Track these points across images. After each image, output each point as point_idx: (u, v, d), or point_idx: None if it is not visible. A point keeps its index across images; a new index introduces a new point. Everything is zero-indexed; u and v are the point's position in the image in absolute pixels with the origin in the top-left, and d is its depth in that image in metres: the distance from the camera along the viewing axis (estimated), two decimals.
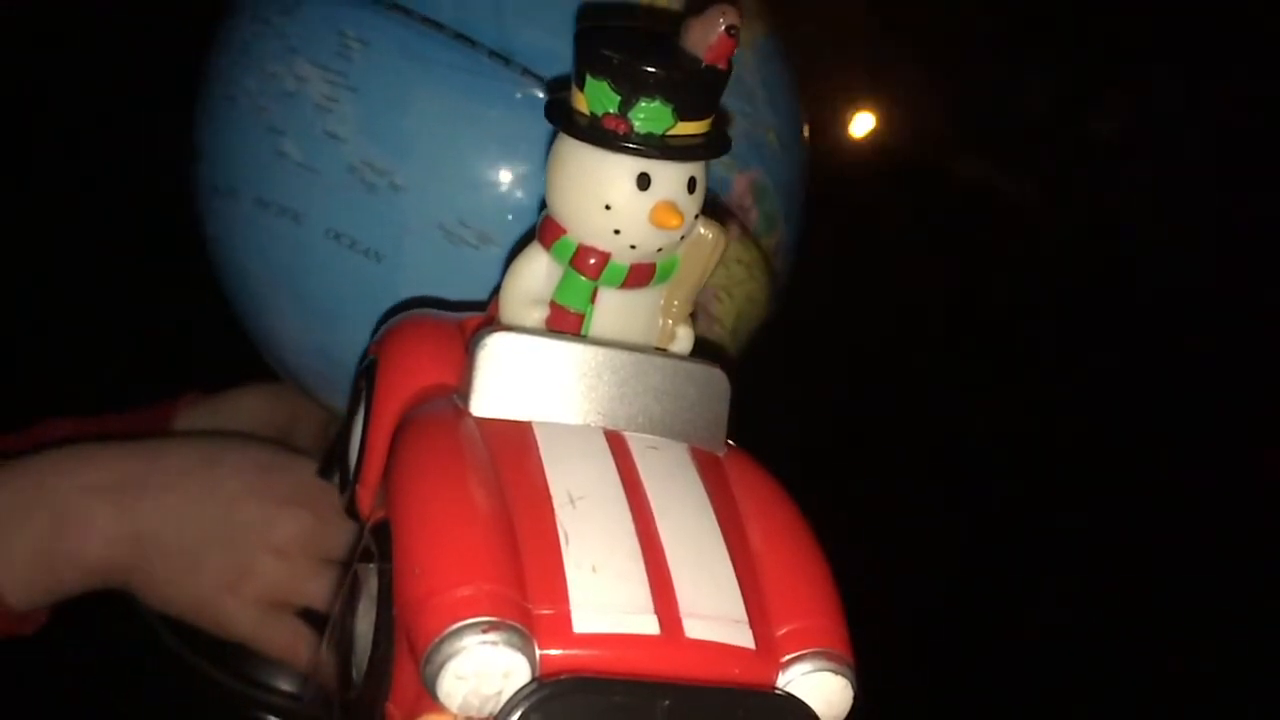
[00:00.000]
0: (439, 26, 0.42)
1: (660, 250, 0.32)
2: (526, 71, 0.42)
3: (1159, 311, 1.36)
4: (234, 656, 0.56)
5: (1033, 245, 1.40)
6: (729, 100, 0.44)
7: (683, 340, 0.34)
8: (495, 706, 0.26)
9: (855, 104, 1.36)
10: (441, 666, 0.25)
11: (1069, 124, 1.49)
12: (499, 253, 0.42)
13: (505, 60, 0.42)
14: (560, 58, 0.41)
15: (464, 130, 0.42)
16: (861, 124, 1.37)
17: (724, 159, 0.44)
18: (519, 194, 0.43)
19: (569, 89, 0.31)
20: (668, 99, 0.30)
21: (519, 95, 0.42)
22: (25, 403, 0.58)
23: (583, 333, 0.33)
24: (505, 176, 0.42)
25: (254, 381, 0.61)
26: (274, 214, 0.44)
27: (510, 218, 0.43)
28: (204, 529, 0.49)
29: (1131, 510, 1.22)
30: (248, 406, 0.60)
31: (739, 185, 0.45)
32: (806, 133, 0.52)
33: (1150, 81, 1.41)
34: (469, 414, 0.31)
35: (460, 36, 0.42)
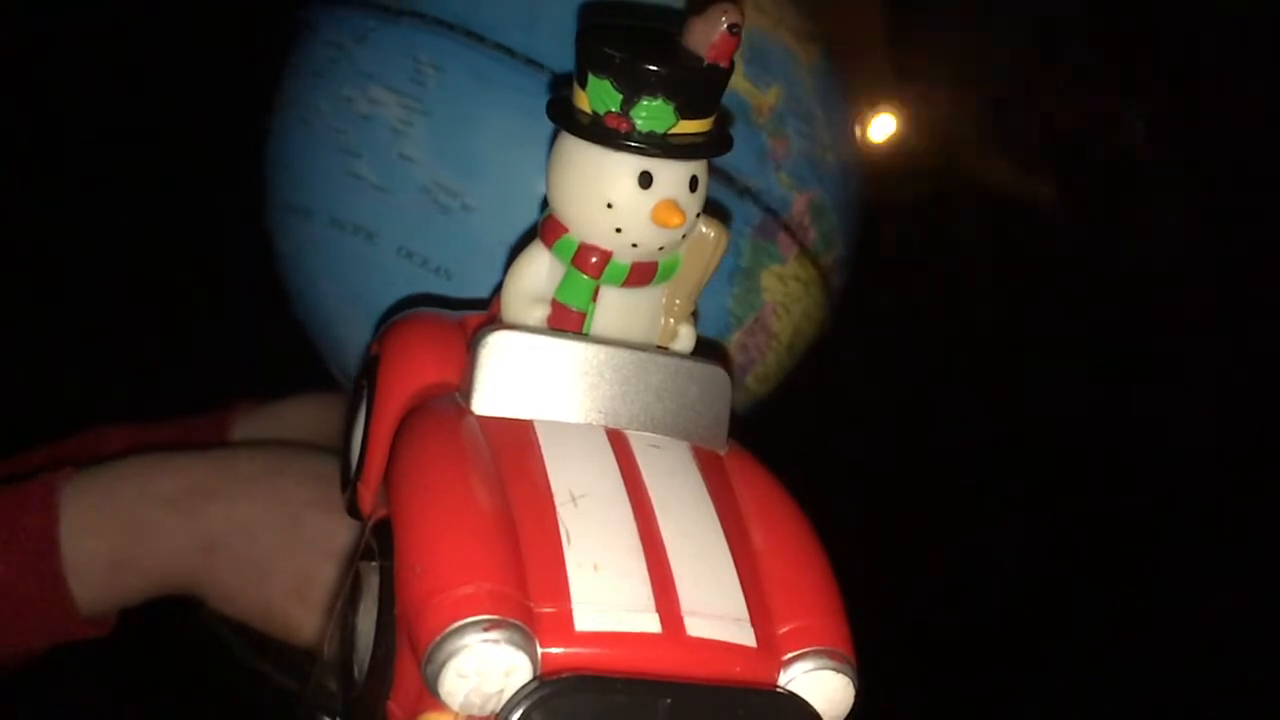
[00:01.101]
0: (510, 52, 0.43)
1: (662, 249, 0.32)
2: None
3: (1185, 324, 1.36)
4: (299, 662, 0.56)
5: (1056, 255, 1.40)
6: (788, 121, 0.45)
7: (684, 339, 0.34)
8: (497, 705, 0.26)
9: (876, 107, 1.36)
10: (443, 665, 0.25)
11: (1096, 134, 1.49)
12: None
13: None
14: None
15: (532, 152, 0.43)
16: (882, 128, 1.36)
17: (784, 178, 0.45)
18: None
19: (571, 87, 0.32)
20: (669, 98, 0.30)
21: None
22: (78, 409, 0.58)
23: (584, 331, 0.33)
24: None
25: (306, 390, 0.61)
26: (348, 233, 0.45)
27: None
28: (271, 537, 0.49)
29: (1136, 512, 1.22)
30: (303, 415, 0.61)
31: (798, 204, 0.46)
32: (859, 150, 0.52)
33: (1177, 93, 1.40)
34: (470, 412, 0.31)
35: (530, 62, 0.43)
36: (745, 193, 0.45)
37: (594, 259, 0.32)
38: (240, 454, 0.53)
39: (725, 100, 0.43)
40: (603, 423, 0.32)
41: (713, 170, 0.43)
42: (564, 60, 0.43)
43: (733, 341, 0.46)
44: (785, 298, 0.47)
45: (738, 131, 0.44)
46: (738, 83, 0.44)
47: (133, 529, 0.48)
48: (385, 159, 0.44)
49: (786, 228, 0.46)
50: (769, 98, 0.45)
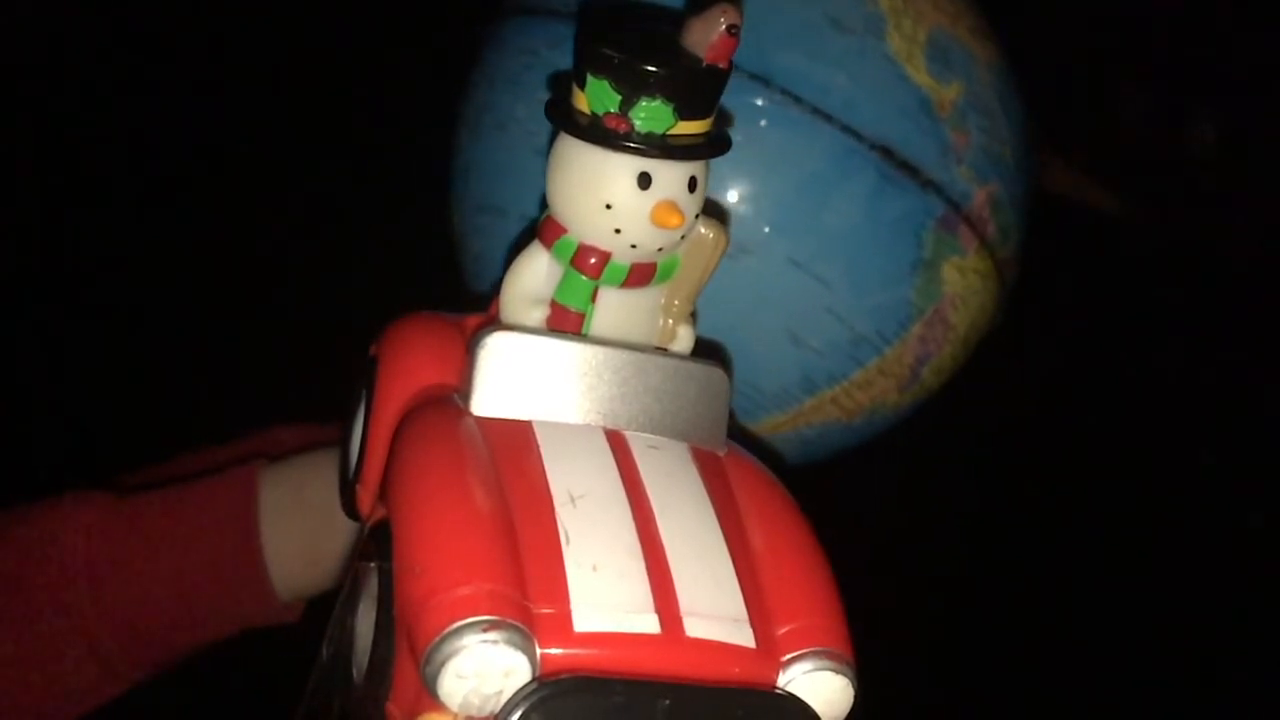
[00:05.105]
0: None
1: (661, 250, 0.32)
2: (785, 92, 0.44)
3: (1255, 326, 1.36)
4: None
5: (1127, 259, 1.40)
6: (969, 116, 0.46)
7: (683, 339, 0.34)
8: (496, 706, 0.26)
9: None
10: (442, 665, 0.25)
11: (1164, 138, 1.48)
12: (755, 263, 0.44)
13: (765, 82, 0.43)
14: (815, 80, 0.43)
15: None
16: None
17: (965, 172, 0.46)
18: (775, 207, 0.44)
19: (570, 88, 0.32)
20: (668, 98, 0.30)
21: (777, 114, 0.44)
22: (252, 409, 0.59)
23: (583, 332, 0.33)
24: (762, 190, 0.44)
25: None
26: None
27: (767, 230, 0.44)
28: None
29: (1140, 518, 1.22)
30: None
31: (979, 198, 0.47)
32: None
33: (1245, 96, 1.40)
34: (469, 413, 0.31)
35: None
36: (928, 185, 0.45)
37: (593, 260, 0.32)
38: None
39: (906, 94, 0.44)
40: (601, 423, 0.32)
41: (898, 163, 0.44)
42: (753, 60, 0.43)
43: (912, 334, 0.47)
44: (964, 290, 0.48)
45: (921, 125, 0.45)
46: (920, 77, 0.45)
47: (326, 519, 0.49)
48: None
49: (967, 220, 0.47)
50: (950, 93, 0.46)
